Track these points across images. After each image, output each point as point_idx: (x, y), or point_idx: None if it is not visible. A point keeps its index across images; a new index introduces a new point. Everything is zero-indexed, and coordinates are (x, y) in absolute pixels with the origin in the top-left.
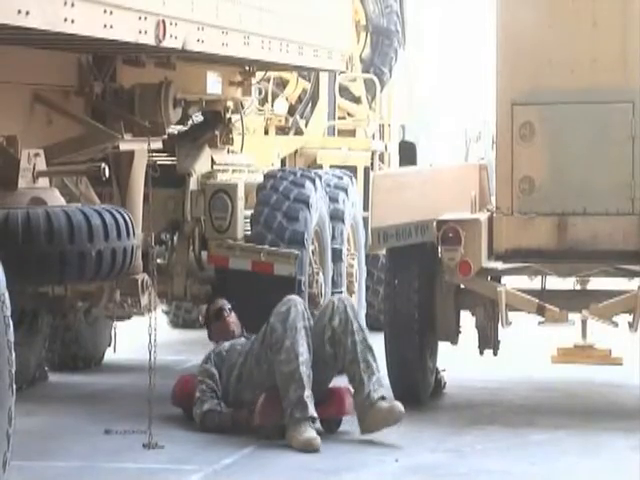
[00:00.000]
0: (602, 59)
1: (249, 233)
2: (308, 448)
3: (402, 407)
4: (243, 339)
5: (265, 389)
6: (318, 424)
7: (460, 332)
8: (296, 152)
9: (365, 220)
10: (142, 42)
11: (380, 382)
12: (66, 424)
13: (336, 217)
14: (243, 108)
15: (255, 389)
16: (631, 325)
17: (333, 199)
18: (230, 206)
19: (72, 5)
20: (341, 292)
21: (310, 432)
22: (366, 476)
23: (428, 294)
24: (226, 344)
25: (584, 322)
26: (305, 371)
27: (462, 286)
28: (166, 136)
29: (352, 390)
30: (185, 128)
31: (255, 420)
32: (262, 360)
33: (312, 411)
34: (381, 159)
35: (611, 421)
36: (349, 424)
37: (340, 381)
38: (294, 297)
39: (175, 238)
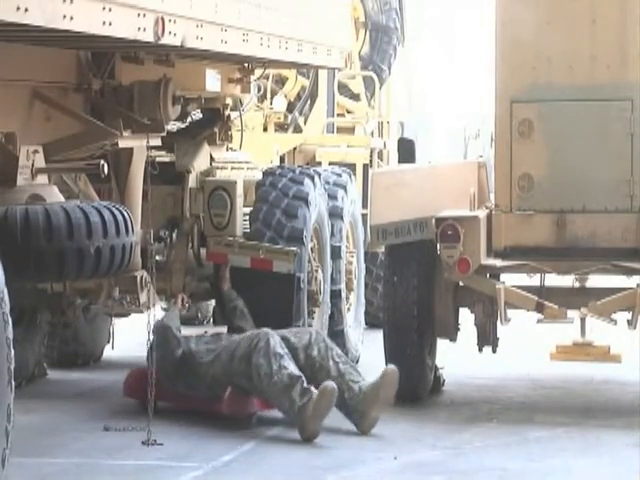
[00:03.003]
0: (601, 56)
1: (248, 230)
2: (325, 397)
3: (393, 367)
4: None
5: (231, 385)
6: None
7: (459, 329)
8: (295, 149)
9: (364, 217)
10: (141, 39)
11: (357, 397)
12: (65, 421)
13: (335, 214)
14: (242, 105)
15: (222, 385)
16: (630, 322)
17: (332, 196)
18: (229, 203)
19: (71, 2)
20: (340, 289)
21: (314, 392)
22: (365, 473)
23: (427, 291)
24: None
25: (583, 319)
26: (301, 374)
27: (461, 283)
28: (165, 133)
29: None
30: (184, 125)
31: (224, 410)
32: (228, 371)
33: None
34: (380, 156)
35: (610, 418)
36: (346, 422)
37: None
38: (266, 329)
39: (174, 235)
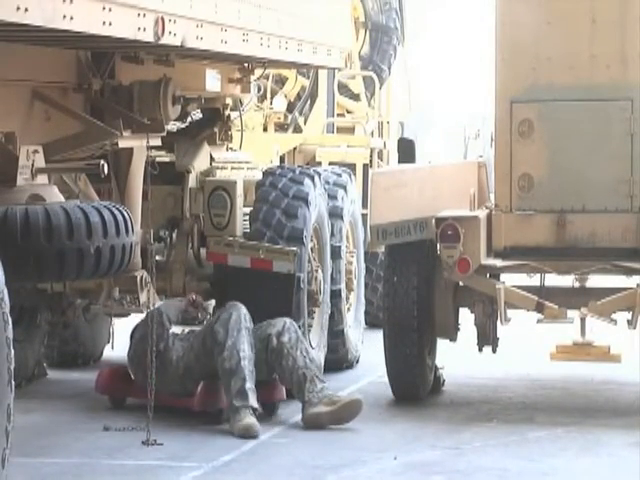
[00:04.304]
0: (601, 56)
1: (248, 230)
2: (247, 434)
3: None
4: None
5: (204, 379)
6: (258, 412)
7: (459, 329)
8: (295, 149)
9: (364, 217)
10: (141, 39)
11: (324, 391)
12: (65, 421)
13: (335, 214)
14: (242, 105)
15: (195, 379)
16: (630, 322)
17: (332, 196)
18: (229, 203)
19: (71, 2)
20: (340, 289)
21: (249, 419)
22: (365, 473)
23: (427, 291)
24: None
25: (583, 319)
26: (247, 365)
27: (461, 283)
28: (165, 133)
29: (296, 389)
30: (184, 125)
31: (195, 406)
32: (202, 357)
33: (253, 401)
34: (380, 156)
35: (610, 418)
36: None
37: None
38: (236, 303)
39: (174, 235)
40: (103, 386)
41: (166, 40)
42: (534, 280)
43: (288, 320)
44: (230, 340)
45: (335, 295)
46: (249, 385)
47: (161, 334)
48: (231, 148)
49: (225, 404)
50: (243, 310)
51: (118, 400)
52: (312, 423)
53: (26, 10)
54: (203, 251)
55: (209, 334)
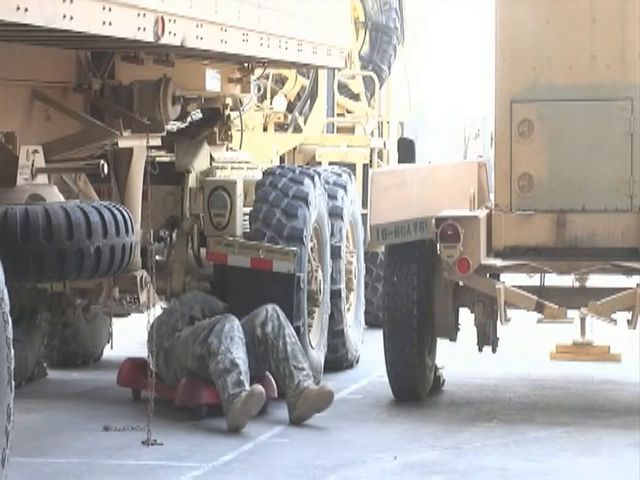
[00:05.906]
0: (601, 56)
1: (248, 230)
2: (254, 399)
3: (331, 387)
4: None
5: (187, 373)
6: None
7: (459, 329)
8: (295, 149)
9: (364, 217)
10: (141, 39)
11: (310, 375)
12: (65, 421)
13: (335, 214)
14: (242, 105)
15: (180, 369)
16: (630, 322)
17: (332, 196)
18: (229, 203)
19: (71, 2)
20: (340, 289)
21: (248, 389)
22: (365, 473)
23: (427, 291)
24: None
25: (583, 319)
26: (242, 365)
27: (461, 283)
28: (165, 133)
29: (281, 384)
30: (184, 125)
31: (176, 401)
32: (189, 356)
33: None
34: (380, 156)
35: (609, 418)
36: (346, 422)
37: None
38: (229, 315)
39: (174, 235)
40: (125, 379)
41: (166, 40)
42: (534, 280)
43: (270, 307)
44: (223, 346)
45: (335, 295)
46: (242, 377)
47: (185, 315)
48: (231, 148)
49: (219, 399)
50: (236, 322)
51: (139, 392)
52: (298, 421)
53: (26, 10)
54: (203, 251)
55: (201, 343)
